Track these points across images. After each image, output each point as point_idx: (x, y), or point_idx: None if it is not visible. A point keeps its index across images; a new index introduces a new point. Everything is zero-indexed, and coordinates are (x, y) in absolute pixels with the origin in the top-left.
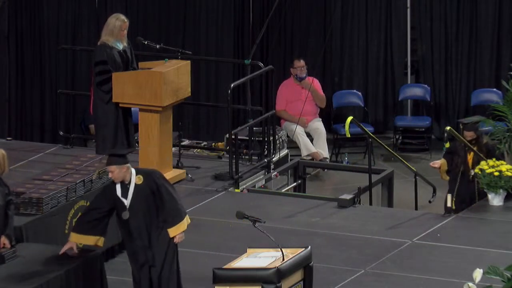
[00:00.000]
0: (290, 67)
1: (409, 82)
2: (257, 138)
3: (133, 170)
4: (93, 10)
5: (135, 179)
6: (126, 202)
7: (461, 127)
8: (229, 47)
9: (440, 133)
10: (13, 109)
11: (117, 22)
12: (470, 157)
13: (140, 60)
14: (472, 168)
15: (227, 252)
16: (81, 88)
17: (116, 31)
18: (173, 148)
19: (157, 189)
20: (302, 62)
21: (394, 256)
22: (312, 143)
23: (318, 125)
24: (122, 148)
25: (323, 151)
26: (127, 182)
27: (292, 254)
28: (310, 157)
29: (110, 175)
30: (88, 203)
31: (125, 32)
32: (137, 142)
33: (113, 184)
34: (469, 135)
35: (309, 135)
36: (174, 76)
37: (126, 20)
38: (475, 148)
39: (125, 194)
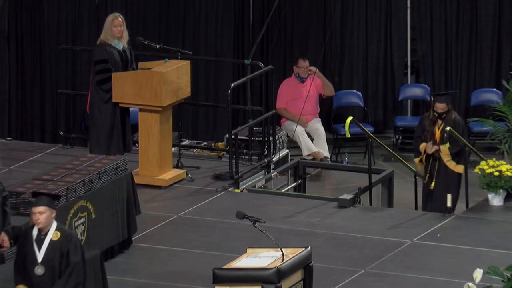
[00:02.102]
0: (292, 65)
1: (409, 82)
2: (257, 138)
3: (55, 223)
4: (93, 10)
5: (52, 233)
6: (39, 255)
7: (432, 98)
8: (229, 47)
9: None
10: (13, 109)
11: (109, 18)
12: (437, 131)
13: (140, 60)
14: (439, 143)
15: (227, 252)
16: (81, 88)
17: (107, 27)
18: (173, 148)
19: (67, 254)
20: (306, 63)
21: (394, 256)
22: (312, 143)
23: (317, 125)
24: (117, 150)
25: (323, 151)
26: (43, 233)
27: (292, 254)
28: (311, 157)
29: (35, 217)
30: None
31: (120, 28)
32: (137, 142)
33: (30, 229)
34: (441, 107)
35: (308, 135)
36: (174, 76)
37: (118, 15)
38: (444, 121)
39: (39, 245)
